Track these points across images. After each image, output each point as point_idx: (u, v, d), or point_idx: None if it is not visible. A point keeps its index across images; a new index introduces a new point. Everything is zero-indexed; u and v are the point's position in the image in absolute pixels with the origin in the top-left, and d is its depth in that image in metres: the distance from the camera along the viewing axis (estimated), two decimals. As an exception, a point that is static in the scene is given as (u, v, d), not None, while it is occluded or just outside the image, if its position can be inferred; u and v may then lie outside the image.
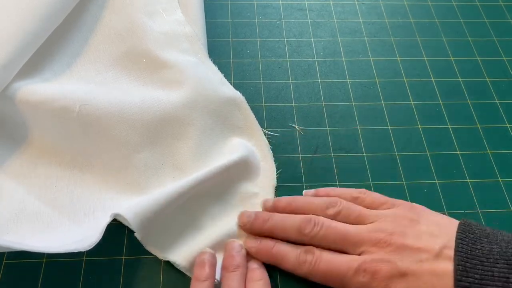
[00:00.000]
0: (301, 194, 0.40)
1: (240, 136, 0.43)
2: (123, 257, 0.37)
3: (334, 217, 0.36)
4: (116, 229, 0.38)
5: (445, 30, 0.54)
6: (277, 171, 0.42)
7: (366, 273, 0.32)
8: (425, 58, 0.51)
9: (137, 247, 0.37)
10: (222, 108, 0.43)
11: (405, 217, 0.35)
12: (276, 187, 0.41)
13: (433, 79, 0.50)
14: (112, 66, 0.45)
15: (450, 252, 0.32)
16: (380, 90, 0.48)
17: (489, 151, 0.44)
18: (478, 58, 0.52)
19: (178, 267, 0.36)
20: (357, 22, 0.54)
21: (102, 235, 0.33)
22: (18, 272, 0.35)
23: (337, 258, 0.34)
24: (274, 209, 0.38)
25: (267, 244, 0.36)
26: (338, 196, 0.37)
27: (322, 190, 0.39)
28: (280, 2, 0.55)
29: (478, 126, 0.46)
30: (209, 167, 0.39)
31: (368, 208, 0.36)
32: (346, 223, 0.35)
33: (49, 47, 0.44)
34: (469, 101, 0.48)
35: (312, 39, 0.52)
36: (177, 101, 0.41)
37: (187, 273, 0.36)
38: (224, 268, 0.35)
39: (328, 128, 0.45)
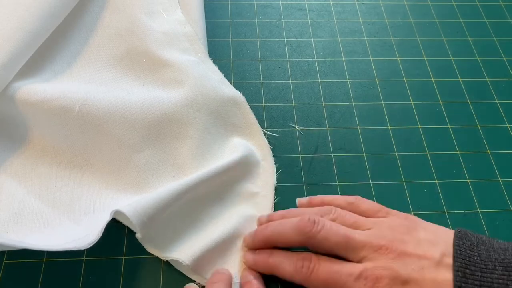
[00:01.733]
0: (301, 193, 0.41)
1: (240, 136, 0.43)
2: (123, 257, 0.37)
3: (313, 238, 0.34)
4: (116, 229, 0.38)
5: (445, 30, 0.54)
6: (277, 171, 0.42)
7: (367, 281, 0.31)
8: (425, 58, 0.51)
9: (137, 247, 0.37)
10: (223, 107, 0.43)
11: (402, 224, 0.34)
12: (276, 187, 0.41)
13: (433, 79, 0.50)
14: (112, 66, 0.45)
15: (450, 260, 0.31)
16: (380, 90, 0.48)
17: (489, 151, 0.44)
18: (478, 58, 0.52)
19: (179, 267, 0.36)
20: (357, 22, 0.54)
21: (101, 233, 0.33)
22: (18, 272, 0.35)
23: (337, 265, 0.33)
24: (268, 220, 0.38)
25: (263, 255, 0.36)
26: (332, 203, 0.37)
27: (316, 197, 0.39)
28: (280, 2, 0.55)
29: (478, 126, 0.46)
30: (209, 166, 0.39)
31: (362, 214, 0.36)
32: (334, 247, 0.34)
33: (49, 47, 0.44)
34: (469, 101, 0.48)
35: (312, 39, 0.52)
36: (178, 101, 0.41)
37: (188, 273, 0.36)
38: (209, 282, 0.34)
39: (328, 128, 0.45)
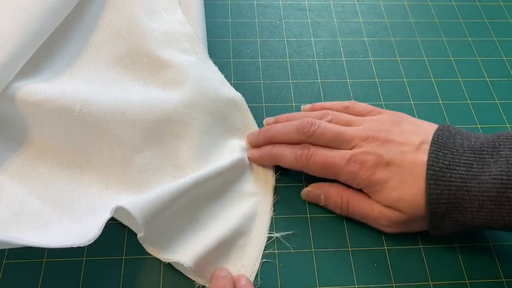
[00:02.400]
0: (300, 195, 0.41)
1: (239, 138, 0.43)
2: (123, 257, 0.37)
3: (310, 136, 0.39)
4: (116, 229, 0.38)
5: (445, 30, 0.54)
6: (276, 171, 0.42)
7: (356, 163, 0.37)
8: (425, 58, 0.51)
9: (137, 247, 0.37)
10: (222, 108, 0.43)
11: (390, 119, 0.39)
12: (275, 186, 0.41)
13: (433, 79, 0.50)
14: (113, 66, 0.45)
15: (428, 147, 0.36)
16: (380, 90, 0.48)
17: (489, 151, 0.44)
18: (478, 58, 0.52)
19: (179, 268, 0.36)
20: (357, 22, 0.54)
21: (101, 230, 0.33)
22: (18, 272, 0.36)
23: (332, 152, 0.38)
24: (275, 122, 0.43)
25: (267, 148, 0.41)
26: (331, 107, 0.43)
27: (318, 104, 0.44)
28: (280, 2, 0.55)
29: (478, 126, 0.46)
30: (209, 167, 0.39)
31: (357, 115, 0.41)
32: (327, 143, 0.39)
33: (49, 47, 0.44)
34: (469, 101, 0.48)
35: (312, 39, 0.52)
36: (178, 101, 0.41)
37: (188, 274, 0.36)
38: None
39: (328, 128, 0.45)
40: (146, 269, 0.36)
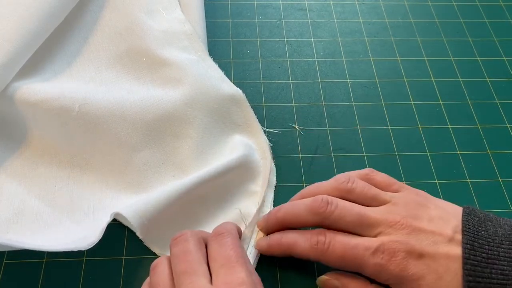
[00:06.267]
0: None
1: (240, 134, 0.43)
2: (123, 257, 0.37)
3: (350, 192, 0.35)
4: (116, 229, 0.38)
5: (445, 30, 0.54)
6: (277, 171, 0.42)
7: (384, 254, 0.32)
8: (425, 58, 0.51)
9: (137, 247, 0.37)
10: (222, 105, 0.43)
11: (415, 201, 0.35)
12: (276, 186, 0.41)
13: (433, 79, 0.50)
14: (112, 65, 0.45)
15: (460, 236, 0.32)
16: (380, 90, 0.48)
17: (489, 151, 0.44)
18: (478, 58, 0.52)
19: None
20: (357, 22, 0.54)
21: (102, 234, 0.33)
22: (18, 272, 0.35)
23: (354, 240, 0.33)
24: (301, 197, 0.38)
25: (275, 236, 0.36)
26: (348, 175, 0.37)
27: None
28: (280, 2, 0.55)
29: (478, 126, 0.46)
30: (209, 165, 0.39)
31: (376, 186, 0.36)
32: (362, 201, 0.35)
33: (49, 47, 0.44)
34: (469, 101, 0.48)
35: (312, 39, 0.52)
36: (177, 100, 0.41)
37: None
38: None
39: (328, 128, 0.45)
40: (146, 269, 0.36)
